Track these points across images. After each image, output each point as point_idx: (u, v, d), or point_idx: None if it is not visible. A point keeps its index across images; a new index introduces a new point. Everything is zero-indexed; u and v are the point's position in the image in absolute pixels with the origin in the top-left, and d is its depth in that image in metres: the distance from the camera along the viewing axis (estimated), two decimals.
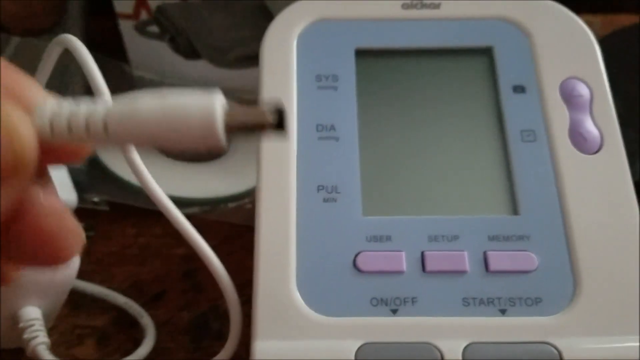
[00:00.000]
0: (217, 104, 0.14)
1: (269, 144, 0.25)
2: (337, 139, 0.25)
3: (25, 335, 0.24)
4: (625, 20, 0.40)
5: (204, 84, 0.39)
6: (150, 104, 0.14)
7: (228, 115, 0.15)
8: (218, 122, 0.14)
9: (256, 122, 0.15)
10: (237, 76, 0.39)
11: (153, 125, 0.14)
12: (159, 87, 0.39)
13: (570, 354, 0.21)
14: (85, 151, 0.16)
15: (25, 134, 0.14)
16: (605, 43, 0.28)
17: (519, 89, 0.26)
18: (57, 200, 0.16)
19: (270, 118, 0.15)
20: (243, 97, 0.39)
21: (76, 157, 0.16)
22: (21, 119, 0.14)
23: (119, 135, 0.15)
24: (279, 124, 0.15)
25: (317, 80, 0.26)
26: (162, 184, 0.25)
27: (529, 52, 0.27)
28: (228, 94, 0.40)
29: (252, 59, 0.36)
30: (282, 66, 0.26)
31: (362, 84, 0.26)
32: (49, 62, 0.26)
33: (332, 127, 0.26)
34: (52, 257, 0.16)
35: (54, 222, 0.16)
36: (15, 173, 0.14)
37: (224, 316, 0.29)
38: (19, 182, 0.14)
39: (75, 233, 0.16)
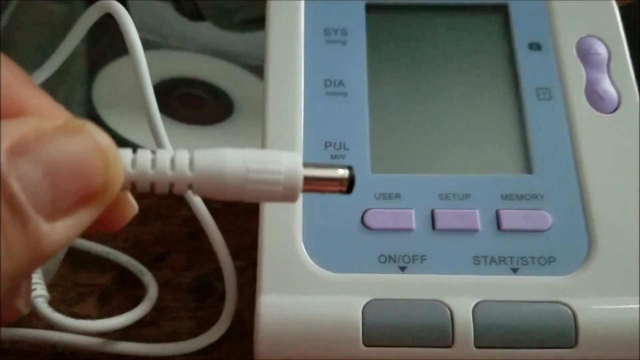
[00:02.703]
0: (300, 173, 0.15)
1: (275, 101, 0.24)
2: (345, 94, 0.25)
3: None
4: None
5: (208, 47, 0.38)
6: (236, 167, 0.15)
7: (307, 179, 0.16)
8: (300, 189, 0.15)
9: (330, 187, 0.16)
10: (243, 40, 0.38)
11: (238, 182, 0.15)
12: (162, 49, 0.38)
13: (584, 313, 0.21)
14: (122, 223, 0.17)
15: (119, 164, 0.14)
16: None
17: (534, 46, 0.26)
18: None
19: (345, 184, 0.16)
20: (249, 62, 0.38)
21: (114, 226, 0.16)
22: (115, 149, 0.14)
23: (204, 184, 0.15)
24: (349, 186, 0.16)
25: (325, 34, 0.26)
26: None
27: (545, 8, 0.26)
28: (233, 58, 0.40)
29: (258, 22, 0.36)
30: (289, 18, 0.26)
31: (372, 39, 0.26)
32: (83, 27, 0.25)
33: (341, 83, 0.25)
34: None
35: None
36: (97, 198, 0.14)
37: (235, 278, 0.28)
38: (96, 209, 0.14)
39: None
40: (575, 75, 0.25)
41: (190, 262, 0.29)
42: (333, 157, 0.24)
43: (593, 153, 0.23)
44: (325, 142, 0.24)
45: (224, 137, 0.34)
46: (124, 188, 0.15)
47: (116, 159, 0.14)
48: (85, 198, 0.13)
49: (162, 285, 0.28)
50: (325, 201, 0.23)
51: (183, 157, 0.15)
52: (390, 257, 0.22)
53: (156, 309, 0.26)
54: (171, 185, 0.15)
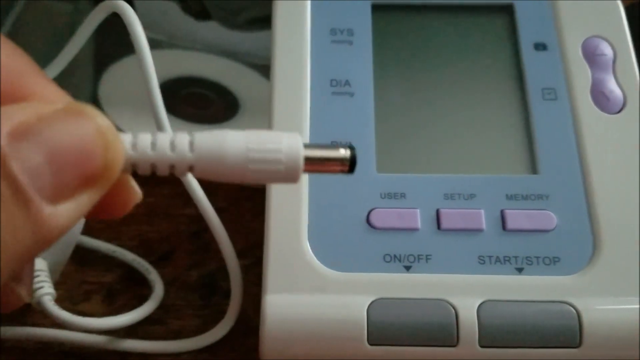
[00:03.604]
0: (301, 153, 0.15)
1: (281, 100, 0.24)
2: (351, 94, 0.25)
3: None
4: None
5: (214, 46, 0.38)
6: (237, 147, 0.15)
7: (308, 159, 0.16)
8: (301, 169, 0.15)
9: (332, 166, 0.16)
10: (249, 39, 0.38)
11: (240, 163, 0.15)
12: (168, 48, 0.38)
13: (589, 313, 0.21)
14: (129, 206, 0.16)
15: (119, 145, 0.14)
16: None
17: (540, 47, 0.26)
18: None
19: (346, 164, 0.16)
20: (255, 61, 0.38)
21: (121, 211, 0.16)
22: (115, 131, 0.14)
23: (205, 166, 0.15)
24: (351, 165, 0.16)
25: (331, 34, 0.26)
26: None
27: (551, 9, 0.26)
28: (239, 57, 0.40)
29: (264, 21, 0.36)
30: (295, 18, 0.26)
31: (378, 39, 0.26)
32: (90, 26, 0.25)
33: (347, 83, 0.25)
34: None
35: None
36: (99, 181, 0.14)
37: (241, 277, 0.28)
38: (97, 191, 0.14)
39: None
40: (581, 75, 0.25)
41: (196, 261, 0.29)
42: None
43: (598, 153, 0.23)
44: (332, 142, 0.24)
45: None
46: (125, 170, 0.15)
47: (116, 140, 0.14)
48: (86, 180, 0.14)
49: (168, 283, 0.28)
50: (331, 200, 0.23)
51: (183, 139, 0.15)
52: (395, 256, 0.22)
53: (162, 307, 0.27)
54: (172, 167, 0.15)
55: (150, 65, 0.23)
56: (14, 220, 0.12)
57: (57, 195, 0.13)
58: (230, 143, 0.15)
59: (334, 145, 0.17)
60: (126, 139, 0.15)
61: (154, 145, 0.15)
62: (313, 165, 0.16)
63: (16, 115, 0.13)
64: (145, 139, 0.15)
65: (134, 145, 0.15)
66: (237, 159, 0.15)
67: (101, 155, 0.14)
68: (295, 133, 0.15)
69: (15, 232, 0.12)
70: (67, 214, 0.13)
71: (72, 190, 0.13)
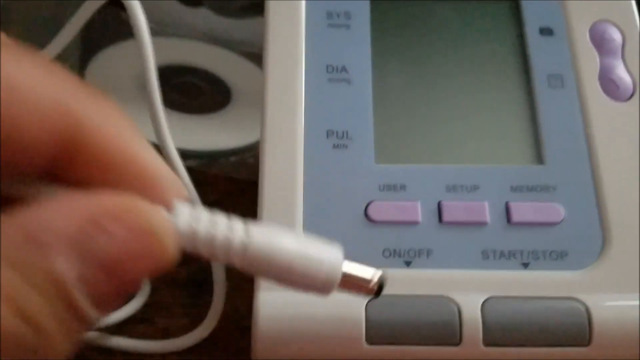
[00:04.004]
0: (340, 267, 0.16)
1: (275, 87, 0.23)
2: (348, 81, 0.24)
3: None
4: None
5: (205, 34, 0.37)
6: (289, 250, 0.15)
7: (344, 275, 0.16)
8: (337, 283, 0.16)
9: (361, 288, 0.16)
10: (241, 26, 0.37)
11: (284, 270, 0.15)
12: (157, 36, 0.37)
13: (598, 310, 0.20)
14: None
15: (172, 245, 0.14)
16: None
17: (546, 32, 0.24)
18: None
19: (374, 288, 0.16)
20: (247, 49, 0.37)
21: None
22: (167, 227, 0.14)
23: (251, 265, 0.15)
24: (378, 290, 0.16)
25: (328, 17, 0.25)
26: None
27: None
28: (230, 45, 0.39)
29: (256, 8, 0.35)
30: (290, 1, 0.25)
31: (377, 22, 0.25)
32: (83, 16, 0.24)
33: (344, 69, 0.24)
34: None
35: None
36: (149, 275, 0.14)
37: (224, 272, 0.27)
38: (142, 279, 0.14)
39: None
40: (589, 61, 0.24)
41: (185, 257, 0.28)
42: (335, 146, 0.23)
43: (607, 143, 0.23)
44: (327, 131, 0.23)
45: (219, 127, 0.33)
46: None
47: (168, 237, 0.13)
48: (138, 283, 0.13)
49: (156, 280, 0.27)
50: (327, 193, 0.22)
51: (237, 248, 0.15)
52: (395, 251, 0.21)
53: (149, 305, 0.26)
54: (226, 246, 0.15)
55: (149, 50, 0.22)
56: (69, 329, 0.12)
57: (109, 302, 0.13)
58: (279, 257, 0.15)
59: (366, 266, 0.16)
60: (180, 228, 0.14)
61: (210, 246, 0.15)
62: (344, 282, 0.16)
63: (62, 228, 0.12)
64: (201, 239, 0.14)
65: (193, 242, 0.14)
66: (281, 272, 0.15)
67: (154, 261, 0.13)
68: (337, 247, 0.16)
69: (69, 334, 0.13)
70: (114, 308, 0.14)
71: (124, 294, 0.13)
